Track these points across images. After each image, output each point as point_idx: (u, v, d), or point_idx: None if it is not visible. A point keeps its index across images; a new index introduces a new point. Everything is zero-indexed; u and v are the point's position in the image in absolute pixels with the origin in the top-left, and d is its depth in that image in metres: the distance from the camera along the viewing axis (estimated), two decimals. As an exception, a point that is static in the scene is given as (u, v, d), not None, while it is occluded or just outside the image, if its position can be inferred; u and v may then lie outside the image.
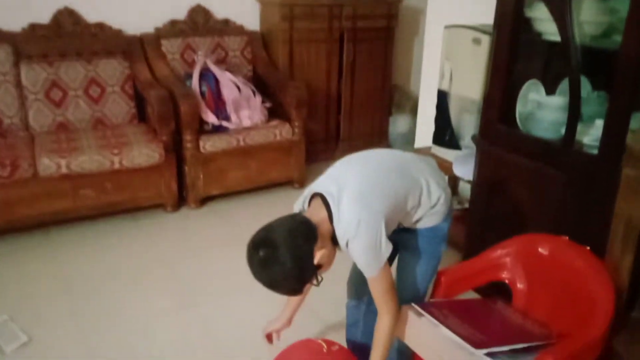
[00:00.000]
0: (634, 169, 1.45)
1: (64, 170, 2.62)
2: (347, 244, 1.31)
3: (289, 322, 1.68)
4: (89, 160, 2.66)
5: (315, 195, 1.37)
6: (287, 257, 1.24)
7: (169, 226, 2.89)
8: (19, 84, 2.90)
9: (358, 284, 1.67)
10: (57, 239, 2.71)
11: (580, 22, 1.84)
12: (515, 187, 2.07)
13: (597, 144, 1.79)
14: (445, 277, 1.59)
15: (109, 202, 2.80)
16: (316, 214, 1.33)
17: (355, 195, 1.31)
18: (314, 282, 1.33)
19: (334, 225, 1.32)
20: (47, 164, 2.59)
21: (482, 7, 2.43)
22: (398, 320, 1.41)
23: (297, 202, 1.45)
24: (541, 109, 2.10)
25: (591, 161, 1.79)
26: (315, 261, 1.28)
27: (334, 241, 1.34)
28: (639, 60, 1.60)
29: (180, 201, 3.05)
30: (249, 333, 1.91)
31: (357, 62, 3.70)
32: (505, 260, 1.63)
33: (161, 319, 2.13)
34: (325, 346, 1.46)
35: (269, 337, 1.70)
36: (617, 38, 1.80)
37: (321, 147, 3.70)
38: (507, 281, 1.64)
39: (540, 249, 1.59)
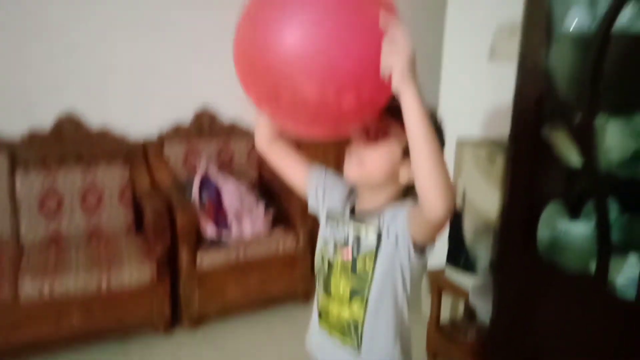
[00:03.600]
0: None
1: (46, 296, 2.42)
2: None
3: None
4: (74, 281, 2.47)
5: None
6: None
7: (160, 350, 2.63)
8: (12, 195, 2.79)
9: None
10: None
11: (605, 146, 1.62)
12: (540, 333, 1.78)
13: (633, 285, 1.53)
14: None
15: (96, 327, 2.58)
16: None
17: None
18: None
19: None
20: (30, 292, 2.40)
21: (495, 121, 2.26)
22: None
23: None
24: (566, 235, 1.85)
25: (627, 310, 1.51)
26: None
27: None
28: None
29: (174, 321, 2.81)
30: None
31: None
32: None
33: None
34: None
35: None
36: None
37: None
38: None
39: None
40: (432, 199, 0.93)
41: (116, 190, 2.98)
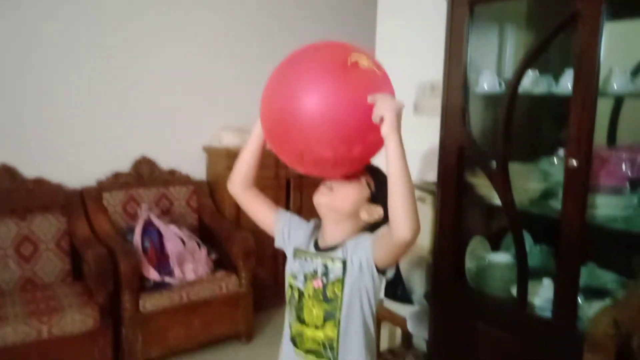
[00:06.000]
0: (595, 355, 1.44)
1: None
2: None
3: None
4: (13, 332, 2.41)
5: None
6: None
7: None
8: (-58, 248, 2.69)
9: None
10: None
11: (518, 188, 1.92)
12: (474, 353, 2.01)
13: (549, 305, 1.80)
14: None
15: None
16: None
17: None
18: None
19: None
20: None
21: (422, 166, 2.55)
22: None
23: None
24: (489, 266, 2.13)
25: (546, 326, 1.78)
26: None
27: None
28: (580, 227, 1.66)
29: (116, 368, 2.78)
30: None
31: (304, 209, 3.72)
32: None
33: None
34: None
35: None
36: (554, 201, 1.90)
37: (270, 293, 3.56)
38: None
39: None
40: (403, 223, 1.12)
41: (53, 239, 2.94)
